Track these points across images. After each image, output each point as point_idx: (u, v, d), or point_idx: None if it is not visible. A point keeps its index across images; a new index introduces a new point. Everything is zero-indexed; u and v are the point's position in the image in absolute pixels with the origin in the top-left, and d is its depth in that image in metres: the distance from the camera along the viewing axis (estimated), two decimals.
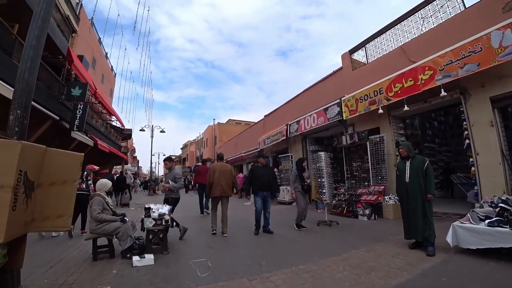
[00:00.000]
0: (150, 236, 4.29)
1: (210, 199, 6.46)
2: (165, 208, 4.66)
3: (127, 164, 32.33)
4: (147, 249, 4.12)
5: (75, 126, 13.34)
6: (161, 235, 4.39)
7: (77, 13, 18.80)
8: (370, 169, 8.27)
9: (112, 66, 30.39)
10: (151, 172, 23.33)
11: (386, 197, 7.45)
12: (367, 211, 7.36)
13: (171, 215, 4.70)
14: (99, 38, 25.28)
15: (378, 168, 8.11)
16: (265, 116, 16.62)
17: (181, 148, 58.46)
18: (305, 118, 11.17)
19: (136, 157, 50.47)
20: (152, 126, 21.55)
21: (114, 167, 30.33)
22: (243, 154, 18.57)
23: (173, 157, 60.91)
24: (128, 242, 4.09)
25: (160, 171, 43.76)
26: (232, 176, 6.02)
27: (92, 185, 6.42)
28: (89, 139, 17.07)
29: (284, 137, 12.47)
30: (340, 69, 10.38)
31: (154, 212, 4.39)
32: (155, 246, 4.33)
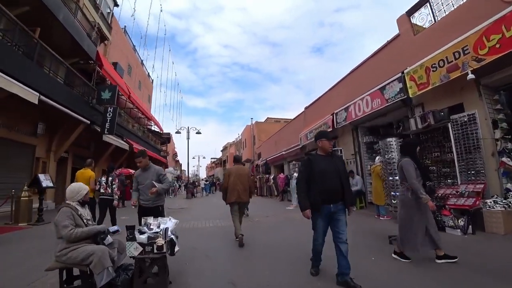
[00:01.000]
0: (141, 267, 2.79)
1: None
2: (170, 223, 3.09)
3: (167, 167, 32.62)
4: (135, 286, 2.67)
5: (106, 129, 12.86)
6: (156, 265, 2.84)
7: (109, 22, 18.81)
8: (456, 161, 6.02)
9: (148, 73, 30.78)
10: (189, 174, 22.73)
11: (488, 200, 5.21)
12: (460, 222, 5.17)
13: (173, 235, 3.06)
14: (134, 46, 25.55)
15: (470, 159, 5.84)
16: (306, 108, 14.72)
17: (221, 151, 58.59)
18: (355, 103, 9.13)
19: (178, 160, 51.46)
20: (188, 127, 20.94)
21: None
22: (283, 153, 16.85)
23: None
24: (105, 276, 2.57)
25: (201, 173, 43.79)
26: (250, 180, 5.29)
27: (116, 188, 6.13)
28: (125, 143, 16.82)
29: (330, 128, 10.52)
30: (397, 36, 8.19)
31: (144, 232, 2.84)
32: (149, 279, 2.86)
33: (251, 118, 30.66)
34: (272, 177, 16.13)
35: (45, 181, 8.05)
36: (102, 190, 5.88)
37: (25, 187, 8.03)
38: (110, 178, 6.03)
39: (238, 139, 39.63)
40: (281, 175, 15.98)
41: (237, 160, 5.70)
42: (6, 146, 9.67)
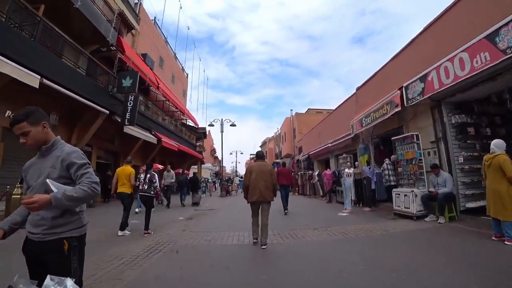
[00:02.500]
0: None
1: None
2: None
3: (203, 163, 31.58)
4: None
5: (126, 119, 11.48)
6: None
7: (137, 11, 17.83)
8: None
9: (183, 67, 29.87)
10: (222, 170, 21.03)
11: None
12: None
13: None
14: (165, 39, 24.62)
15: None
16: (358, 88, 11.92)
17: (260, 146, 56.77)
18: (439, 67, 6.31)
19: (217, 157, 50.83)
20: (222, 119, 19.21)
21: (192, 167, 29.82)
22: (329, 145, 14.20)
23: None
24: None
25: (240, 169, 42.36)
26: (273, 177, 4.82)
27: (158, 185, 6.60)
28: (152, 136, 15.61)
29: (398, 108, 7.76)
30: None
31: None
32: None
33: (291, 110, 28.19)
34: (316, 173, 13.63)
35: None
36: (140, 187, 6.09)
37: (18, 183, 6.78)
38: (148, 175, 6.11)
39: (277, 134, 37.34)
40: (327, 171, 13.39)
41: (259, 156, 5.31)
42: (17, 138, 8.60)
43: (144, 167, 6.81)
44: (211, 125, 18.93)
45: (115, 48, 12.69)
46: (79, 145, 11.44)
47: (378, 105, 8.98)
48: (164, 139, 16.31)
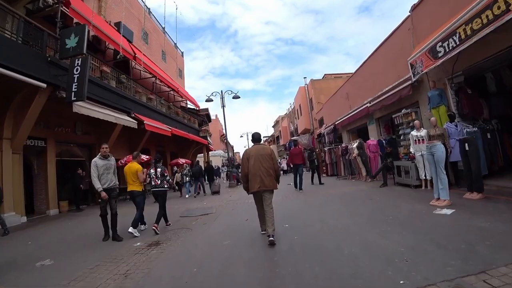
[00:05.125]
0: None
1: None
2: None
3: (210, 150, 28.11)
4: None
5: (73, 93, 7.90)
6: None
7: None
8: None
9: (176, 43, 25.95)
10: (230, 154, 17.41)
11: None
12: None
13: None
14: (148, 10, 20.66)
15: None
16: (414, 8, 7.74)
17: (272, 126, 52.78)
18: None
19: (228, 142, 47.46)
20: (222, 91, 15.30)
21: (198, 155, 26.43)
22: (367, 105, 10.22)
23: (266, 138, 56.20)
24: None
25: None
26: (274, 162, 4.14)
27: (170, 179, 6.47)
28: (130, 119, 12.10)
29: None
30: None
31: None
32: None
33: (304, 78, 23.79)
34: (355, 145, 9.66)
35: None
36: (153, 183, 5.63)
37: None
38: (159, 170, 5.74)
39: (290, 109, 33.17)
40: (372, 141, 9.47)
41: (255, 139, 4.44)
42: None
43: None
44: (209, 100, 15.11)
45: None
46: (18, 138, 8.06)
47: (477, 7, 4.91)
48: (149, 121, 12.75)
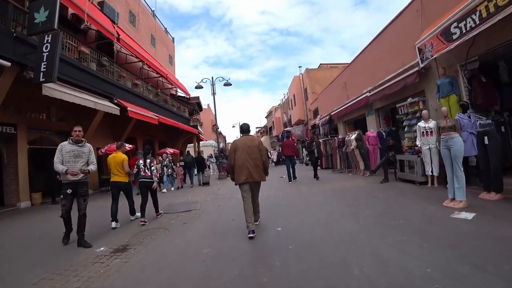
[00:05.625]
0: None
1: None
2: None
3: (201, 140, 27.27)
4: None
5: (41, 74, 7.02)
6: None
7: None
8: None
9: (166, 28, 24.70)
10: (219, 146, 16.62)
11: None
12: None
13: None
14: None
15: None
16: None
17: (265, 117, 51.96)
18: None
19: (220, 132, 46.57)
20: (212, 78, 14.43)
21: (188, 145, 25.60)
22: (367, 95, 9.58)
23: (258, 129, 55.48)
24: None
25: None
26: (262, 153, 4.03)
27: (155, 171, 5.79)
28: (111, 105, 11.21)
29: None
30: None
31: None
32: None
33: (299, 67, 23.00)
34: (353, 137, 9.01)
35: None
36: (142, 173, 5.52)
37: None
38: (148, 160, 5.63)
39: (284, 100, 32.37)
40: (371, 133, 8.86)
41: (243, 129, 4.36)
42: None
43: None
44: (198, 87, 14.22)
45: None
46: None
47: None
48: (134, 108, 11.89)
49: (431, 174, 5.79)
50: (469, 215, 3.49)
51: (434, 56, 6.01)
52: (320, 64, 25.14)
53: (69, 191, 3.90)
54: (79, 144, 4.09)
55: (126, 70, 13.70)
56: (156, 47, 21.24)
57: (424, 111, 5.85)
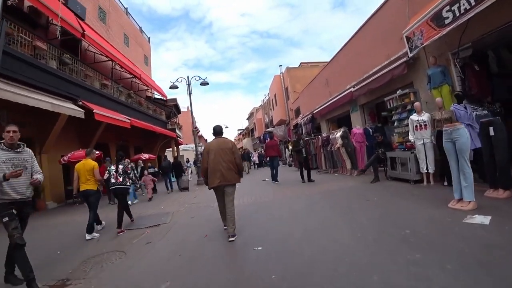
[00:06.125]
0: None
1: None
2: None
3: (181, 144, 26.22)
4: None
5: None
6: None
7: None
8: None
9: (141, 27, 23.57)
10: (197, 150, 15.77)
11: None
12: None
13: None
14: None
15: None
16: None
17: (247, 119, 51.29)
18: None
19: (202, 136, 45.37)
20: (188, 77, 13.56)
21: (166, 150, 24.48)
22: (351, 90, 9.11)
23: (240, 131, 54.55)
24: None
25: None
26: (236, 156, 4.01)
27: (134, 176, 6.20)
28: (75, 107, 10.14)
29: None
30: None
31: None
32: None
33: (280, 66, 22.50)
34: (338, 135, 8.44)
35: None
36: (113, 180, 5.42)
37: None
38: (120, 166, 5.54)
39: (265, 100, 31.82)
40: (357, 130, 8.36)
41: (217, 132, 4.27)
42: None
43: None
44: (173, 87, 13.27)
45: None
46: None
47: None
48: (102, 111, 10.86)
49: (426, 171, 5.30)
50: (485, 219, 2.93)
51: (425, 44, 5.55)
52: (301, 63, 24.76)
53: (14, 211, 2.86)
54: (17, 150, 3.03)
55: (95, 69, 12.60)
56: (130, 46, 20.13)
57: (417, 103, 5.37)
